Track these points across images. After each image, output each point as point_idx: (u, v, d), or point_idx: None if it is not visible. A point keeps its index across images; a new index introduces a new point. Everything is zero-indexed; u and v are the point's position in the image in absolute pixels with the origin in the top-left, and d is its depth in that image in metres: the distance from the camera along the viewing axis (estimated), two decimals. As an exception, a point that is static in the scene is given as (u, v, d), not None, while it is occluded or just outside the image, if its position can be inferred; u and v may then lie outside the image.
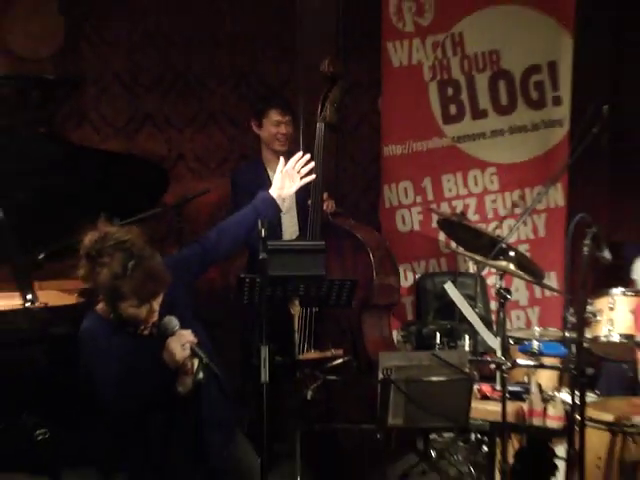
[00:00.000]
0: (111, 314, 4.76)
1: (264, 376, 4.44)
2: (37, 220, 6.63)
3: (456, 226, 6.91)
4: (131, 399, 4.64)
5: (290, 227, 7.40)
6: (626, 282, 7.08)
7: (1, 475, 6.88)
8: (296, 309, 6.26)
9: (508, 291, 5.99)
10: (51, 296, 6.68)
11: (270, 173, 7.14)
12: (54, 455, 6.88)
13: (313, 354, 6.84)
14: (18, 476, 7.03)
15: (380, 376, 5.08)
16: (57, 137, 6.90)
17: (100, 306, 4.88)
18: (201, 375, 4.49)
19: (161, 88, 8.55)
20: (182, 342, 4.56)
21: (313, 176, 5.97)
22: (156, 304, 4.74)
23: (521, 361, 5.99)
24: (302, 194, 6.64)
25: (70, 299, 6.72)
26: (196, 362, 4.53)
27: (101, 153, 7.54)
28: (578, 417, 5.11)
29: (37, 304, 6.36)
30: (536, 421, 5.81)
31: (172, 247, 7.57)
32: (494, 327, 6.02)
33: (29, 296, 6.34)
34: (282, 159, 5.19)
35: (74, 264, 7.13)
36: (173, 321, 4.63)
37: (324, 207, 7.20)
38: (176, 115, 8.51)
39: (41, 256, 6.68)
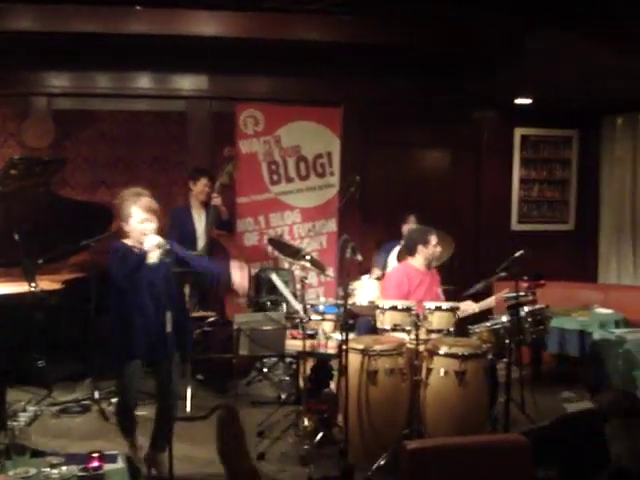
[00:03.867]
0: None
1: (169, 327, 4.32)
2: (37, 240, 6.41)
3: (277, 242, 6.85)
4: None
5: (201, 242, 7.26)
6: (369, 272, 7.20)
7: (17, 387, 6.64)
8: (186, 289, 6.20)
9: (306, 278, 5.97)
10: (45, 283, 6.48)
11: (194, 213, 7.39)
12: (47, 375, 6.69)
13: (198, 313, 6.75)
14: (27, 388, 6.82)
15: (235, 327, 4.99)
16: (51, 193, 6.67)
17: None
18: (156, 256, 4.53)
19: (109, 166, 8.31)
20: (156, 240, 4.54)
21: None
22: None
23: (313, 317, 5.97)
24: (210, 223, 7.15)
25: (56, 285, 6.56)
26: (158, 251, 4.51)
27: (75, 201, 7.36)
28: (344, 347, 5.09)
29: (37, 288, 6.20)
30: (322, 350, 5.79)
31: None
32: (299, 298, 5.96)
33: (33, 284, 6.18)
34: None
35: (59, 267, 6.97)
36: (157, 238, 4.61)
37: (214, 200, 7.21)
38: (118, 181, 8.26)
39: (40, 261, 6.47)
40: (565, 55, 6.67)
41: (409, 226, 7.61)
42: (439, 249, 6.23)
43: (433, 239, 6.14)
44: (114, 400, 6.59)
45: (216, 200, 7.23)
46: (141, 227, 4.69)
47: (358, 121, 8.70)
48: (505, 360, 5.69)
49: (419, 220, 7.58)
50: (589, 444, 5.04)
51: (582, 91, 8.18)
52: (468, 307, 6.12)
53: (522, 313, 5.88)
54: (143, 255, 4.58)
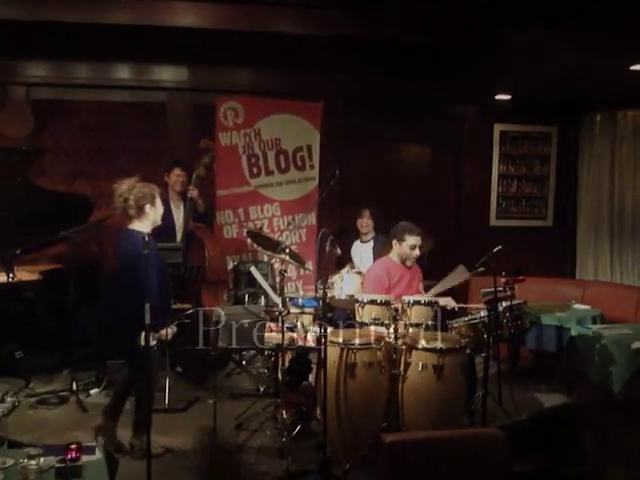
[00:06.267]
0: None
1: (148, 319, 4.32)
2: (14, 230, 6.37)
3: (257, 235, 6.86)
4: None
5: (180, 234, 7.25)
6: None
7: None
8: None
9: (285, 271, 6.00)
10: (23, 274, 6.42)
11: (172, 204, 7.29)
12: (25, 366, 6.66)
13: (176, 305, 6.69)
14: (4, 379, 6.78)
15: (214, 319, 5.00)
16: (28, 182, 6.62)
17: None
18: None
19: (88, 157, 8.27)
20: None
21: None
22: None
23: (292, 310, 5.98)
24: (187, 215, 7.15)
25: (34, 276, 6.49)
26: None
27: (53, 191, 7.28)
28: (323, 340, 5.12)
29: (15, 279, 6.15)
30: (301, 343, 5.80)
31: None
32: (278, 291, 5.96)
33: (10, 274, 6.13)
34: None
35: (37, 258, 6.92)
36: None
37: (190, 192, 7.26)
38: (97, 172, 8.24)
39: (18, 251, 6.43)
40: (545, 53, 6.71)
41: (363, 221, 7.71)
42: (416, 252, 6.15)
43: (411, 239, 6.08)
44: (92, 391, 6.63)
45: (192, 192, 7.23)
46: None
47: (339, 116, 8.72)
48: (483, 355, 5.74)
49: (373, 215, 7.70)
50: (565, 438, 5.10)
51: (561, 89, 8.24)
52: (448, 303, 6.13)
53: (500, 308, 5.92)
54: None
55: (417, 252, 6.13)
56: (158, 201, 5.27)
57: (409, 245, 6.09)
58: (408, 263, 6.18)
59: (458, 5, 6.61)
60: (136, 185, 5.20)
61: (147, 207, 5.17)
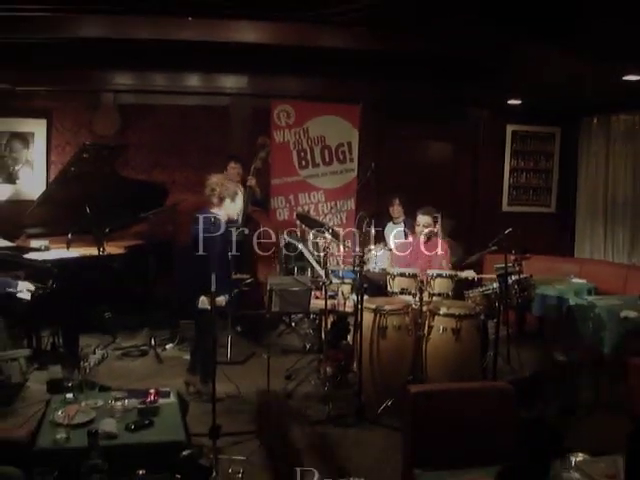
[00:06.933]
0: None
1: (213, 286, 4.35)
2: (104, 212, 6.46)
3: (305, 217, 6.88)
4: None
5: (240, 217, 7.15)
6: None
7: (88, 334, 6.66)
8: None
9: (328, 247, 6.01)
10: (111, 248, 6.51)
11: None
12: (112, 324, 6.76)
13: (236, 275, 6.69)
14: (95, 335, 6.88)
15: (268, 288, 5.04)
16: (115, 172, 6.71)
17: None
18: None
19: (165, 151, 8.37)
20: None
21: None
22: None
23: (334, 280, 6.01)
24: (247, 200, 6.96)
25: (120, 250, 6.58)
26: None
27: (135, 180, 7.35)
28: (360, 306, 5.15)
29: (104, 252, 6.25)
30: (341, 308, 5.85)
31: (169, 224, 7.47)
32: (322, 265, 5.98)
33: (101, 248, 6.22)
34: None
35: (123, 235, 6.98)
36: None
37: (249, 181, 7.29)
38: (171, 164, 8.32)
39: (107, 229, 6.53)
40: (550, 63, 6.63)
41: (394, 208, 7.69)
42: (424, 229, 6.11)
43: (419, 218, 6.14)
44: (168, 346, 6.74)
45: (251, 181, 7.29)
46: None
47: (374, 117, 8.68)
48: (495, 320, 5.73)
49: (402, 202, 7.65)
50: (562, 391, 5.08)
51: (564, 94, 8.12)
52: (469, 275, 6.13)
53: (510, 281, 5.89)
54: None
55: (425, 229, 6.11)
56: (239, 198, 5.43)
57: (418, 224, 6.15)
58: (420, 237, 6.15)
59: (476, 22, 6.53)
60: (224, 182, 5.40)
61: (227, 201, 5.33)
